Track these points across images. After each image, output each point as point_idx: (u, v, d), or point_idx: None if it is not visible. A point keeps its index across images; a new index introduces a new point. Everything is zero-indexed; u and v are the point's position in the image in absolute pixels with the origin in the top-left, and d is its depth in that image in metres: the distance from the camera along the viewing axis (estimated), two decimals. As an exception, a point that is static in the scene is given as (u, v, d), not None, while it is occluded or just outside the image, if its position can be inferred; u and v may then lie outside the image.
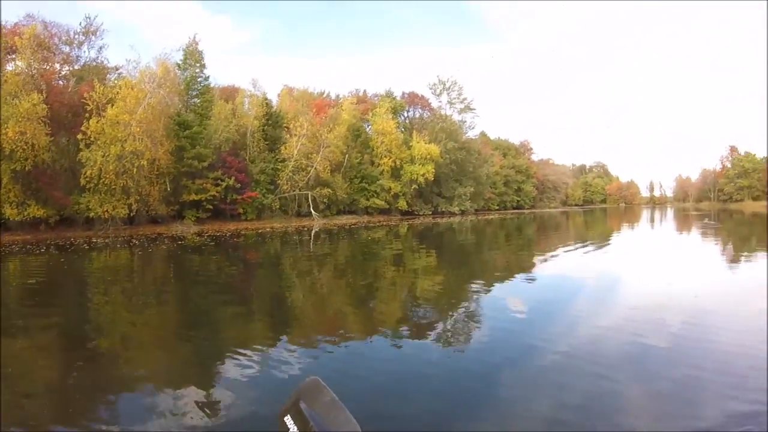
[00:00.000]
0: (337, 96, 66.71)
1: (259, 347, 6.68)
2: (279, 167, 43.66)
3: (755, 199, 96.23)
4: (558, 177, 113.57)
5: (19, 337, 7.70)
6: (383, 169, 52.57)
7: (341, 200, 48.35)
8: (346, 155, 49.44)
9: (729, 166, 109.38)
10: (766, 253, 17.11)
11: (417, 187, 54.79)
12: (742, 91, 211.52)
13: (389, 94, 62.98)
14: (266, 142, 44.65)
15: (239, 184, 38.70)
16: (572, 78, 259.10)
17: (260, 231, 33.31)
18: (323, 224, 40.90)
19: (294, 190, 43.81)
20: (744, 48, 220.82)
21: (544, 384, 5.18)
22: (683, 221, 45.50)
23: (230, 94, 48.22)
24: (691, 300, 9.27)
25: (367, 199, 51.29)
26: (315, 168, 44.13)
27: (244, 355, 6.27)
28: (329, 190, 45.58)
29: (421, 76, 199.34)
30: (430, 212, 58.62)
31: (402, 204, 54.51)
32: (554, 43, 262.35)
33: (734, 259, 16.35)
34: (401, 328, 7.79)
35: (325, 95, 64.55)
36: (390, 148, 52.82)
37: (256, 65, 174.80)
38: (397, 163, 53.04)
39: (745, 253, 17.99)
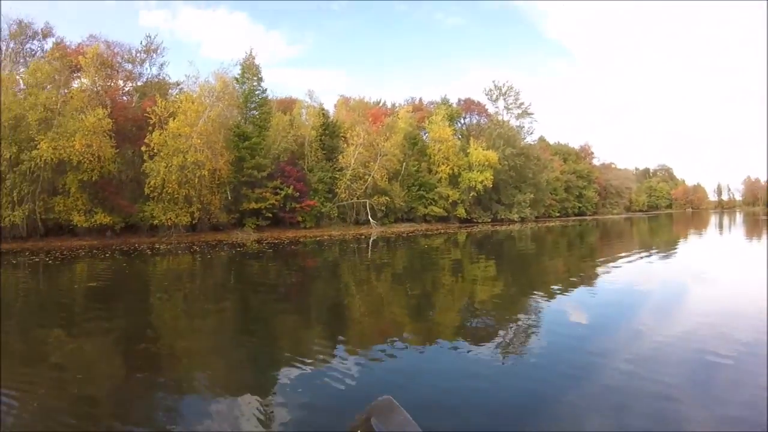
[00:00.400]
0: (393, 105, 66.69)
1: (316, 356, 6.57)
2: (337, 176, 43.66)
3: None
4: (621, 182, 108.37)
5: (80, 336, 8.06)
6: (441, 177, 51.53)
7: (399, 208, 47.72)
8: (403, 163, 48.83)
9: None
10: None
11: (475, 194, 53.29)
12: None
13: (445, 102, 61.98)
14: (324, 152, 44.83)
15: (298, 193, 38.89)
16: (628, 76, 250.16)
17: (318, 238, 33.21)
18: (381, 232, 40.51)
19: (352, 199, 43.65)
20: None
21: (604, 404, 4.98)
22: (753, 227, 42.66)
23: (287, 105, 48.93)
24: (759, 312, 8.67)
25: (425, 207, 50.38)
26: (372, 176, 43.80)
27: (302, 363, 6.21)
28: (387, 198, 45.14)
29: (477, 82, 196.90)
30: (489, 220, 56.93)
31: (460, 211, 53.19)
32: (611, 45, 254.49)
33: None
34: (459, 340, 7.59)
35: (380, 104, 64.61)
36: (447, 155, 51.82)
37: (311, 77, 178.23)
38: (455, 170, 51.87)
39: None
